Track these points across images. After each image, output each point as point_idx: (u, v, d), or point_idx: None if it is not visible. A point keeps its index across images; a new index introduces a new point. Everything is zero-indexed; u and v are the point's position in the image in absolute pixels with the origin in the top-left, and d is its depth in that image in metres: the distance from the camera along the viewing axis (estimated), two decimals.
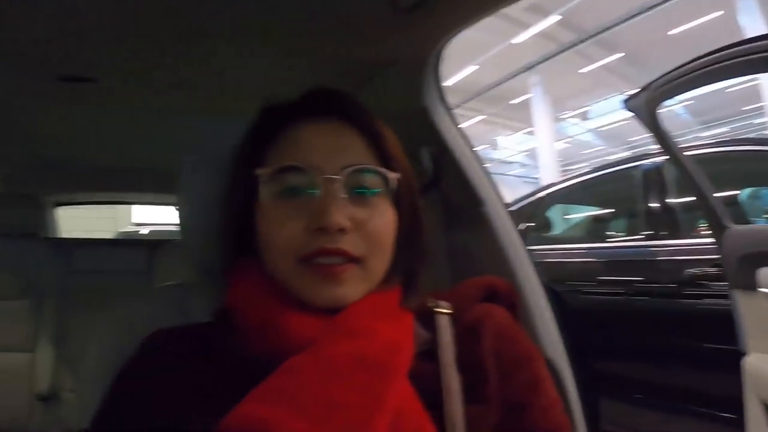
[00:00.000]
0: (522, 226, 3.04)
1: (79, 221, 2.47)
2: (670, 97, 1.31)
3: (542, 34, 9.54)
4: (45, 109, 1.36)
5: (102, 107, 1.31)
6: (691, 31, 9.34)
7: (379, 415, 0.43)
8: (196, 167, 0.64)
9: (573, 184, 3.08)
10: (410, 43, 0.81)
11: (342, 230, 0.48)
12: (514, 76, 11.60)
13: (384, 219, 0.52)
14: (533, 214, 3.15)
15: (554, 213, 3.40)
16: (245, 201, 0.54)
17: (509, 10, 8.65)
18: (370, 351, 0.47)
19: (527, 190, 3.16)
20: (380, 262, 0.52)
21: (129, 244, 2.19)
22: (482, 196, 0.87)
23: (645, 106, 1.36)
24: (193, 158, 0.65)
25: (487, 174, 0.90)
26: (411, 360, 0.49)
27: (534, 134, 13.15)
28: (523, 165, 17.97)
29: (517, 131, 15.87)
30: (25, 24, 0.85)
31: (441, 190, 0.90)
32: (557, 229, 3.42)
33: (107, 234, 6.68)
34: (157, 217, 7.52)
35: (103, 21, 0.84)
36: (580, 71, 11.37)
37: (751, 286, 1.30)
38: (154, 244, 2.06)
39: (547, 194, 3.21)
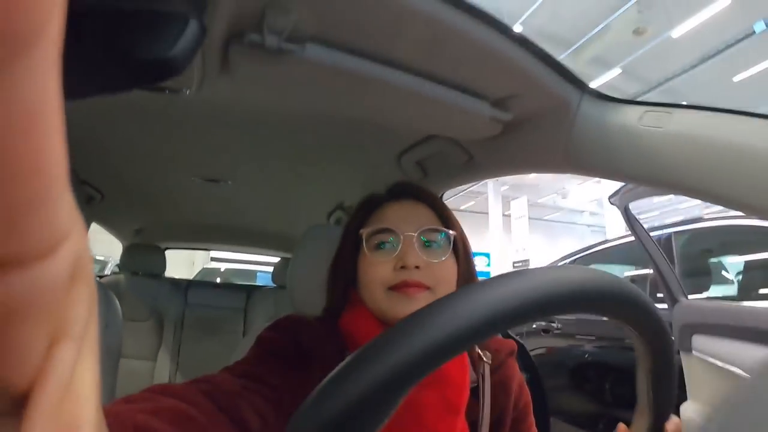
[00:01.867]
0: None
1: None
2: (636, 199, 1.69)
3: (608, 86, 9.44)
4: (179, 191, 1.85)
5: (222, 187, 1.74)
6: (759, 76, 9.10)
7: None
8: (315, 235, 0.93)
9: (617, 244, 3.12)
10: None
11: (417, 267, 0.65)
12: None
13: (446, 261, 0.69)
14: None
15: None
16: (352, 254, 0.73)
17: (574, 64, 8.95)
18: (450, 395, 0.61)
19: (597, 238, 3.05)
20: (445, 291, 0.67)
21: (231, 287, 2.83)
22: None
23: (620, 202, 1.73)
24: (315, 229, 0.95)
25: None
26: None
27: (602, 183, 13.06)
28: (592, 214, 17.62)
29: (586, 179, 15.74)
30: (179, 134, 1.20)
31: None
32: None
33: (187, 268, 8.09)
34: (231, 255, 8.32)
35: (238, 138, 1.21)
36: None
37: (688, 349, 1.64)
38: (250, 289, 2.67)
39: (594, 252, 3.25)
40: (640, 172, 0.70)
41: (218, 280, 6.83)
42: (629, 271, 3.27)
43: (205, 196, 1.83)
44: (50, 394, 0.11)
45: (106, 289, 1.40)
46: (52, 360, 0.11)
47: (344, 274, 0.73)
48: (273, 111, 1.03)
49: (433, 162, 1.17)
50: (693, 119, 0.66)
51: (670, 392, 0.47)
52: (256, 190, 1.73)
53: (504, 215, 14.58)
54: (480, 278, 0.69)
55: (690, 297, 1.82)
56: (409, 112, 0.81)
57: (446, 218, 0.73)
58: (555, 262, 3.45)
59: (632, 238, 2.79)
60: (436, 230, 0.70)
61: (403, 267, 0.65)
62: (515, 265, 13.02)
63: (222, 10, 0.56)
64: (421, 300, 0.64)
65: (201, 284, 2.77)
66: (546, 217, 18.38)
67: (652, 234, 2.56)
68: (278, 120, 1.09)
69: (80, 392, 0.11)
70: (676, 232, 2.44)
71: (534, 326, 3.09)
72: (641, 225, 1.84)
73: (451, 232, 0.70)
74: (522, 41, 0.67)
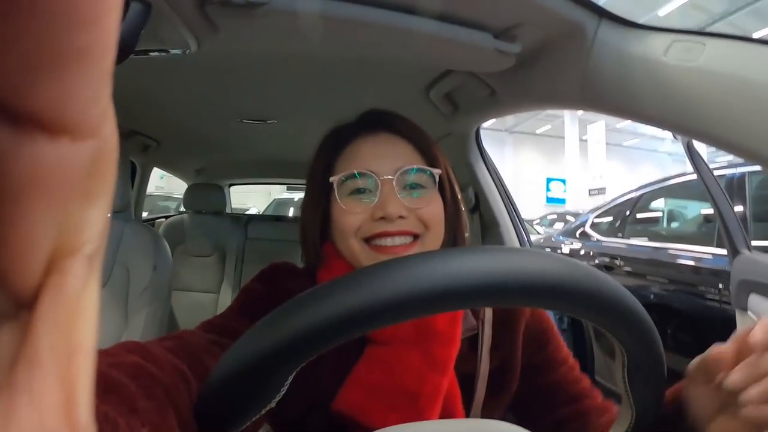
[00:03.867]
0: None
1: (240, 195, 3.23)
2: None
3: (691, 5, 8.49)
4: (229, 132, 1.93)
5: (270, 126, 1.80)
6: None
7: (439, 401, 0.54)
8: None
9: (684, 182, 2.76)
10: (454, 127, 1.24)
11: (401, 217, 0.57)
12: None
13: (433, 205, 0.60)
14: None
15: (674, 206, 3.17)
16: (324, 201, 0.63)
17: None
18: (436, 350, 0.55)
19: (678, 169, 2.74)
20: (434, 238, 0.60)
21: (287, 220, 2.89)
22: (499, 221, 1.27)
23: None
24: None
25: (507, 205, 1.29)
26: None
27: None
28: (674, 141, 16.23)
29: None
30: (215, 82, 1.24)
31: (480, 214, 1.31)
32: (666, 224, 3.18)
33: (264, 199, 8.09)
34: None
35: (269, 81, 1.22)
36: None
37: (744, 308, 1.43)
38: None
39: (674, 184, 2.86)
40: (664, 113, 0.61)
41: (291, 209, 7.03)
42: (706, 209, 2.88)
43: (255, 135, 1.90)
44: (62, 306, 0.10)
45: (157, 234, 1.50)
46: (65, 272, 0.10)
47: (314, 226, 0.65)
48: (287, 55, 1.00)
49: (460, 96, 1.12)
50: (731, 52, 0.56)
51: (651, 390, 0.41)
52: (299, 126, 1.78)
53: (581, 140, 13.85)
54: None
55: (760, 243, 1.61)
56: (409, 49, 0.76)
57: (429, 153, 0.63)
58: (632, 191, 3.17)
59: (722, 172, 2.47)
60: (420, 170, 0.60)
61: (382, 218, 0.57)
62: (591, 192, 12.52)
63: None
64: None
65: (260, 218, 2.87)
66: (625, 143, 17.32)
67: (724, 171, 2.35)
68: (298, 62, 1.07)
69: (88, 313, 0.11)
70: (751, 172, 2.18)
71: (596, 261, 2.92)
72: (705, 163, 1.62)
73: (436, 171, 0.61)
74: None
